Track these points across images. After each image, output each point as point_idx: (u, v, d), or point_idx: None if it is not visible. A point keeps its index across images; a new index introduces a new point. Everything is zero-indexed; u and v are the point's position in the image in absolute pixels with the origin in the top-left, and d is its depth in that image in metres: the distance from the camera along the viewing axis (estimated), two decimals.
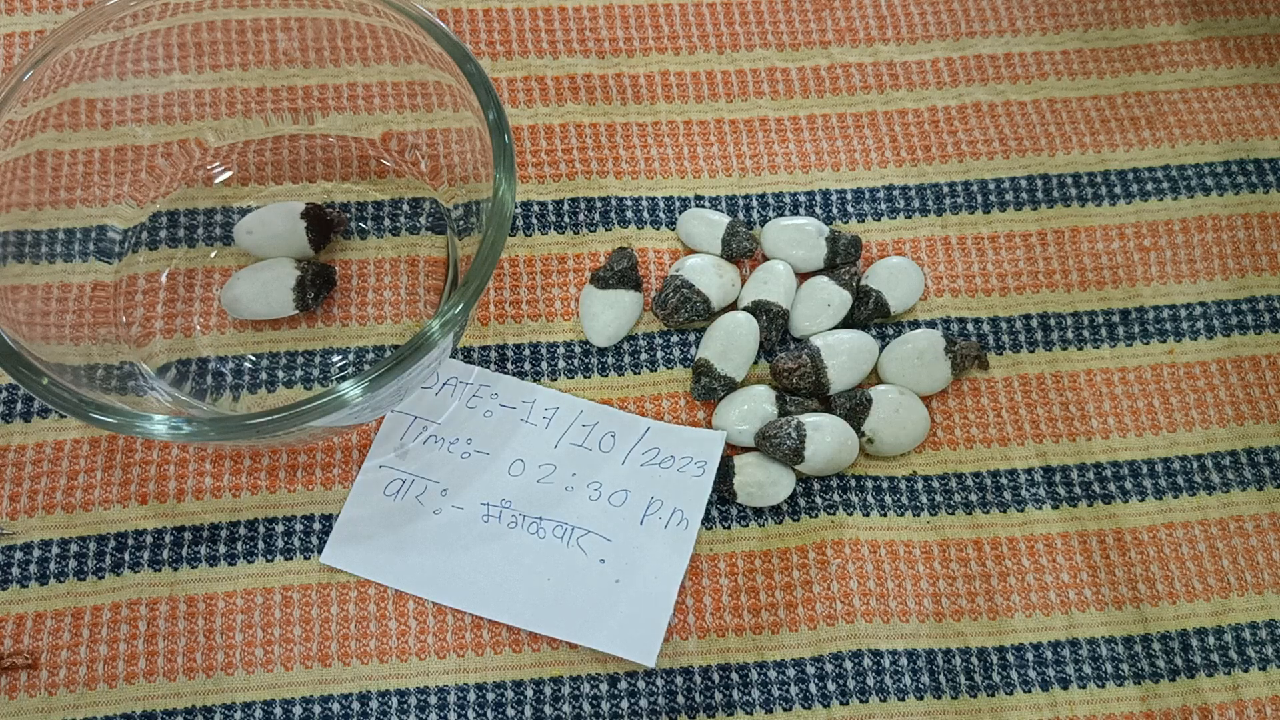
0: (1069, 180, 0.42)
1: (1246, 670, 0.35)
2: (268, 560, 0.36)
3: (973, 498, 0.37)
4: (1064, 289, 0.41)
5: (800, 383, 0.37)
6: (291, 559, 0.36)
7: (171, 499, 0.36)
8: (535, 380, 0.38)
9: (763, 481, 0.36)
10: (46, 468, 0.37)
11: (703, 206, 0.41)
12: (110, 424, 0.30)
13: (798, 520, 0.37)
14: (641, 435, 0.37)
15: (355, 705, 0.34)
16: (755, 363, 0.39)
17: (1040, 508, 0.37)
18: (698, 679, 0.35)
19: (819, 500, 0.37)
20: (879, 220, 0.41)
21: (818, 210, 0.41)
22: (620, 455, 0.37)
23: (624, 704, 0.34)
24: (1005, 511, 0.37)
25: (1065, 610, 0.36)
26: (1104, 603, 0.36)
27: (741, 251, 0.39)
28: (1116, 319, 0.40)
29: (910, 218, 0.41)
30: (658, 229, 0.41)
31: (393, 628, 0.35)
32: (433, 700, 0.34)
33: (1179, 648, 0.36)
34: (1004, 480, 0.38)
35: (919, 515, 0.37)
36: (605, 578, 0.35)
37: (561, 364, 0.39)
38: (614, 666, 0.35)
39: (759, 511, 0.37)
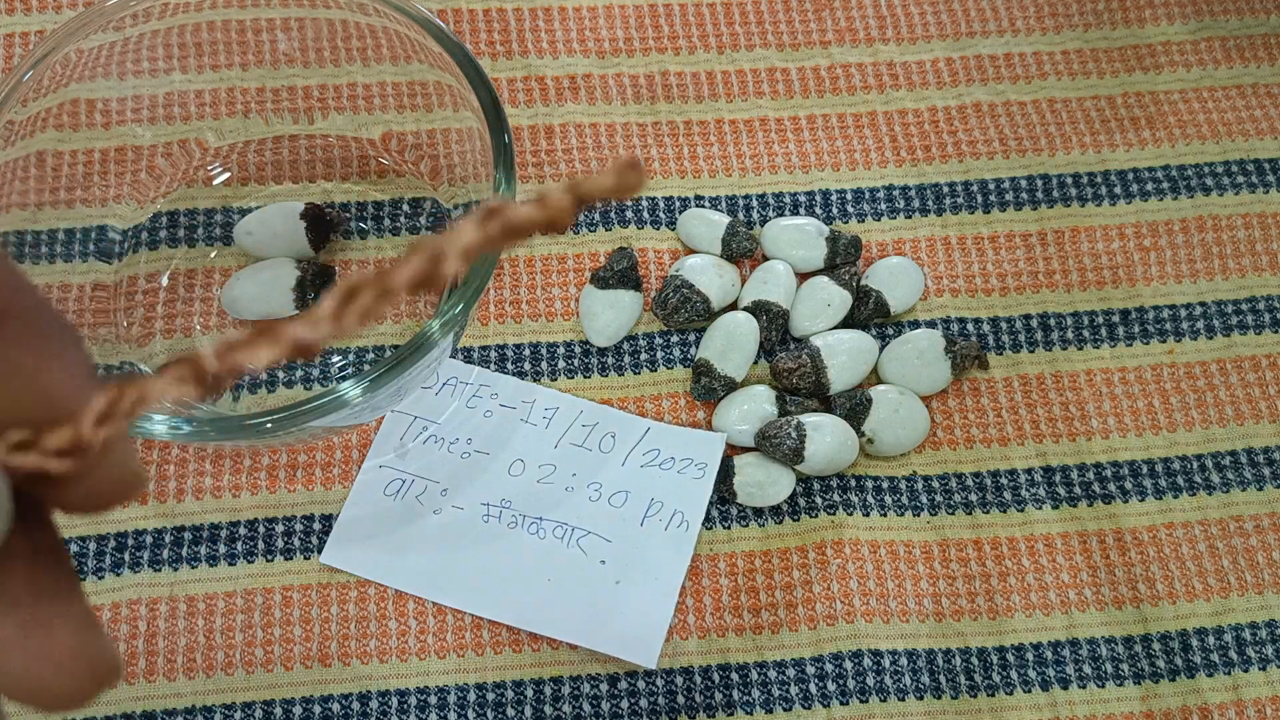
0: (1069, 180, 0.42)
1: (1246, 670, 0.35)
2: (267, 560, 0.36)
3: (973, 498, 0.37)
4: (1064, 289, 0.41)
5: (800, 383, 0.37)
6: (291, 559, 0.36)
7: (171, 499, 0.36)
8: (535, 380, 0.38)
9: (763, 481, 0.36)
10: None
11: (703, 206, 0.41)
12: None
13: (798, 520, 0.37)
14: (642, 436, 0.37)
15: (355, 705, 0.34)
16: (755, 363, 0.39)
17: (1040, 508, 0.37)
18: (698, 679, 0.35)
19: (819, 500, 0.37)
20: (879, 220, 0.41)
21: (818, 210, 0.41)
22: (620, 456, 0.37)
23: (624, 704, 0.34)
24: (1005, 511, 0.37)
25: (1065, 610, 0.36)
26: (1104, 603, 0.36)
27: (741, 251, 0.39)
28: (1116, 319, 0.40)
29: (910, 218, 0.41)
30: (658, 229, 0.41)
31: (393, 628, 0.35)
32: (433, 700, 0.34)
33: (1179, 648, 0.36)
34: (1004, 480, 0.38)
35: (919, 515, 0.37)
36: (605, 578, 0.35)
37: (561, 364, 0.39)
38: (614, 666, 0.35)
39: (759, 511, 0.37)
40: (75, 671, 0.16)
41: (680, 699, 0.34)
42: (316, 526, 0.36)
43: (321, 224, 0.39)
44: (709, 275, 0.39)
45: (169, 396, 0.15)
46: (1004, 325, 0.40)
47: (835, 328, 0.39)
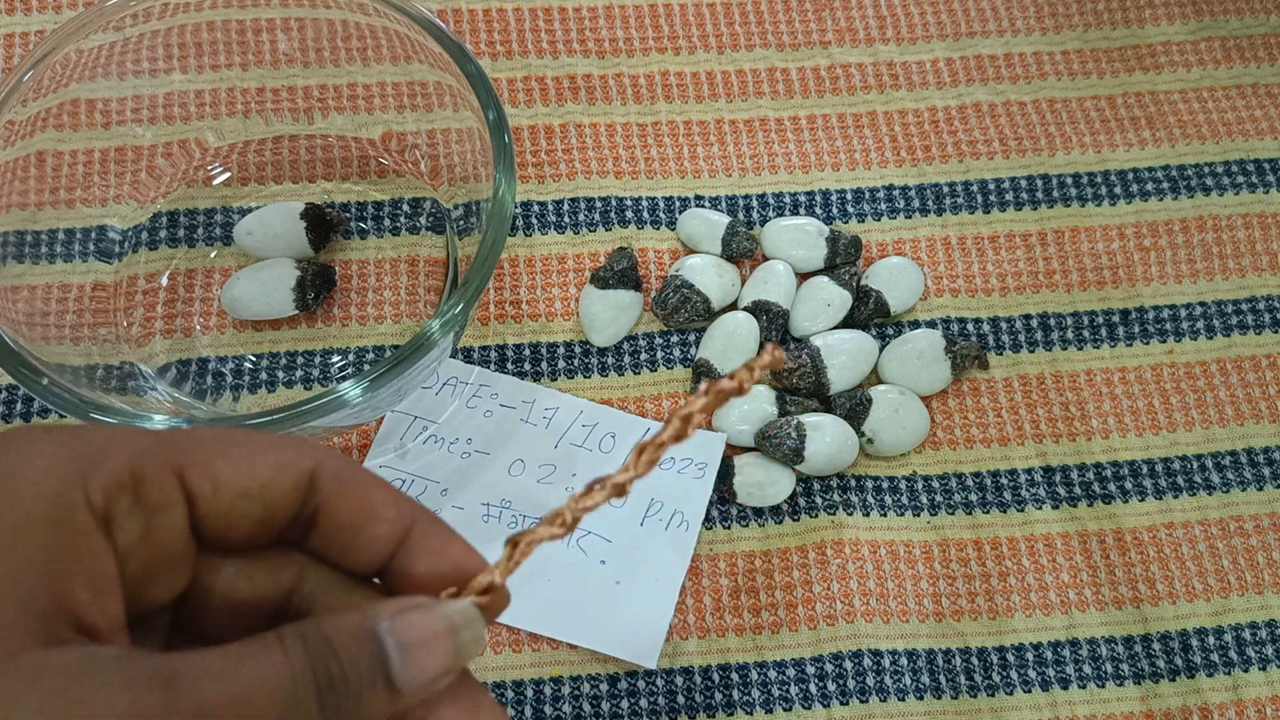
0: (1069, 180, 0.42)
1: (1246, 670, 0.35)
2: None
3: (973, 498, 0.37)
4: (1064, 289, 0.41)
5: (800, 383, 0.37)
6: None
7: None
8: (535, 380, 0.38)
9: (763, 481, 0.36)
10: None
11: (703, 206, 0.41)
12: (110, 424, 0.30)
13: (798, 520, 0.37)
14: (641, 436, 0.37)
15: None
16: None
17: (1040, 508, 0.37)
18: (698, 679, 0.35)
19: (819, 500, 0.37)
20: (879, 220, 0.41)
21: (818, 210, 0.41)
22: (620, 455, 0.37)
23: (624, 704, 0.34)
24: (1005, 511, 0.37)
25: (1065, 610, 0.36)
26: (1104, 603, 0.36)
27: (741, 251, 0.39)
28: (1116, 319, 0.40)
29: (910, 218, 0.41)
30: (658, 229, 0.41)
31: None
32: None
33: (1179, 648, 0.36)
34: (1004, 480, 0.38)
35: (919, 515, 0.37)
36: (606, 579, 0.35)
37: (561, 364, 0.39)
38: (614, 666, 0.35)
39: (759, 511, 0.37)
40: None
41: (680, 699, 0.34)
42: None
43: (321, 224, 0.39)
44: (709, 275, 0.39)
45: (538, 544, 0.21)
46: (1004, 325, 0.40)
47: (835, 328, 0.39)
